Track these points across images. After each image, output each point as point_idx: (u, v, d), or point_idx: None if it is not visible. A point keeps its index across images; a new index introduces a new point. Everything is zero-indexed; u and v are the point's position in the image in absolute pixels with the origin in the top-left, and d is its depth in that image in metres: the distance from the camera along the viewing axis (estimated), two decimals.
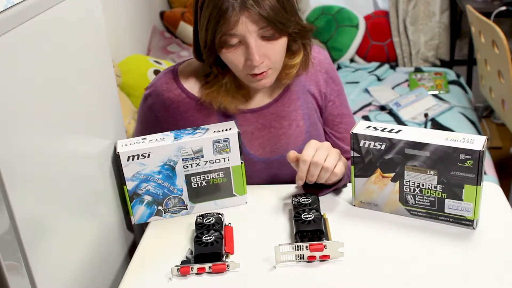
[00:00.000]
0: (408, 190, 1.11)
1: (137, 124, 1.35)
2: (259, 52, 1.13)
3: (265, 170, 1.32)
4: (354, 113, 2.85)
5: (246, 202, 1.24)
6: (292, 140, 1.32)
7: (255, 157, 1.30)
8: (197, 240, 1.06)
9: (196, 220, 1.13)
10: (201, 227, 1.10)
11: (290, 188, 1.27)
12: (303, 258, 1.03)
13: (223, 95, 1.24)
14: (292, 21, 1.15)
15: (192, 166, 1.17)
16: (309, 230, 1.05)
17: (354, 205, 1.19)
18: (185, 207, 1.21)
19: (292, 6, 1.16)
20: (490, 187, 1.21)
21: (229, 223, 1.15)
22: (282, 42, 1.16)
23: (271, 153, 1.32)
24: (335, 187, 1.22)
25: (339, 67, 3.53)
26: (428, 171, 1.07)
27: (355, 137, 1.12)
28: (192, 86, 1.29)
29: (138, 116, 1.34)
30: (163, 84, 1.29)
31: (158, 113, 1.29)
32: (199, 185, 1.19)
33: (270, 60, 1.16)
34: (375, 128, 1.12)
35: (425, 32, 3.57)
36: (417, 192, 1.11)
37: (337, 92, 1.36)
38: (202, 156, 1.17)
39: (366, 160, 1.13)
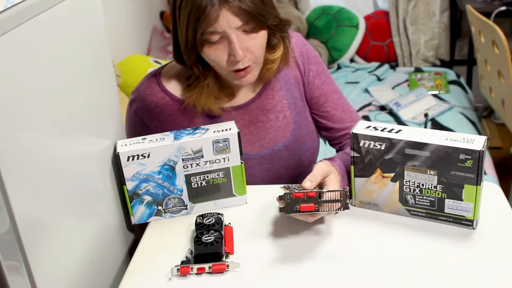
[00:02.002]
0: (408, 190, 1.11)
1: (126, 129, 1.35)
2: (241, 46, 1.13)
3: (257, 166, 1.32)
4: None
5: (246, 202, 1.24)
6: (280, 132, 1.32)
7: (245, 154, 1.30)
8: (197, 240, 1.06)
9: (196, 220, 1.12)
10: (201, 227, 1.10)
11: None
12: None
13: (206, 96, 1.24)
14: (271, 13, 1.16)
15: (192, 166, 1.17)
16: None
17: (354, 205, 1.19)
18: (185, 207, 1.21)
19: (270, 0, 1.18)
20: (490, 187, 1.21)
21: (229, 223, 1.15)
22: (263, 35, 1.17)
23: (261, 148, 1.32)
24: None
25: (339, 67, 3.53)
26: (428, 171, 1.07)
27: (355, 137, 1.12)
28: (175, 89, 1.29)
29: (126, 121, 1.35)
30: (146, 89, 1.29)
31: (144, 117, 1.30)
32: (199, 185, 1.19)
33: (252, 54, 1.16)
34: (375, 128, 1.12)
35: (425, 32, 3.57)
36: (417, 192, 1.11)
37: (315, 72, 1.34)
38: (202, 156, 1.17)
39: (366, 160, 1.13)
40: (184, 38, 1.16)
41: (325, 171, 1.10)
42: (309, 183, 1.05)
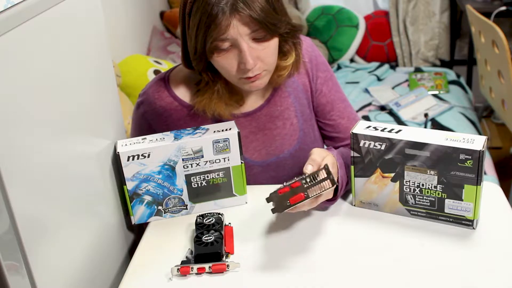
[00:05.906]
0: (408, 190, 1.11)
1: (132, 130, 1.34)
2: (252, 55, 1.11)
3: (262, 173, 1.32)
4: None
5: (246, 202, 1.24)
6: (286, 140, 1.31)
7: (251, 161, 1.30)
8: (197, 240, 1.06)
9: (196, 220, 1.13)
10: (201, 227, 1.10)
11: None
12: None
13: (216, 102, 1.22)
14: (282, 21, 1.14)
15: (192, 166, 1.17)
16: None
17: (354, 205, 1.19)
18: (185, 207, 1.21)
19: (282, 6, 1.15)
20: (490, 187, 1.21)
21: (229, 223, 1.15)
22: (274, 43, 1.15)
23: (267, 156, 1.31)
24: (338, 195, 1.18)
25: (339, 67, 3.53)
26: (428, 171, 1.07)
27: (355, 137, 1.12)
28: (184, 94, 1.27)
29: (132, 123, 1.34)
30: (154, 93, 1.28)
31: (151, 120, 1.29)
32: (199, 185, 1.19)
33: (263, 62, 1.14)
34: (375, 128, 1.12)
35: (425, 32, 3.57)
36: (417, 192, 1.11)
37: (323, 79, 1.32)
38: (202, 156, 1.17)
39: (366, 160, 1.13)
40: (193, 45, 1.14)
41: (322, 154, 1.10)
42: (310, 167, 1.06)
